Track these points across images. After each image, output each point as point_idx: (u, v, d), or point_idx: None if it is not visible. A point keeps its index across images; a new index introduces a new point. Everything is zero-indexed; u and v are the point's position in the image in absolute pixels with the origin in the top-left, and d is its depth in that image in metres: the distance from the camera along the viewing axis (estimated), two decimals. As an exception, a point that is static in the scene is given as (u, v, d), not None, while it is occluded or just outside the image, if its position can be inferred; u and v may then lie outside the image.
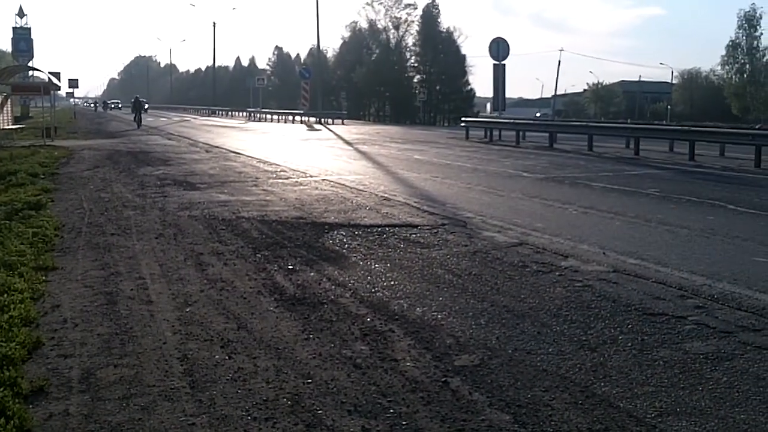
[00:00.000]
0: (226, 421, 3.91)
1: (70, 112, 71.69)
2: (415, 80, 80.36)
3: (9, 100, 32.53)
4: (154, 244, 8.54)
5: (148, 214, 10.75)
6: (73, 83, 61.64)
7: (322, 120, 53.82)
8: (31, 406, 4.07)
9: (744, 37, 73.87)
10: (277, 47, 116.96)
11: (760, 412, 4.01)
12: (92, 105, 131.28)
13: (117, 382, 4.40)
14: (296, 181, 14.96)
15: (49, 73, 33.06)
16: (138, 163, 19.37)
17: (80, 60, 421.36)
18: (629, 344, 5.11)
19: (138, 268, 7.33)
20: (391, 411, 4.04)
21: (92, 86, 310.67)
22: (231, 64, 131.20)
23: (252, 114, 69.18)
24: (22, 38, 60.55)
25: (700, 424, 3.90)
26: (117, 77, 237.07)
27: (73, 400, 4.16)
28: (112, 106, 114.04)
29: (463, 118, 39.60)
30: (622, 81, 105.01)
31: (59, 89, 45.54)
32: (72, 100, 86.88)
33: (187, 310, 5.93)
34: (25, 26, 61.23)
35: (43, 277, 6.85)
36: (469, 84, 78.62)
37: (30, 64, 52.37)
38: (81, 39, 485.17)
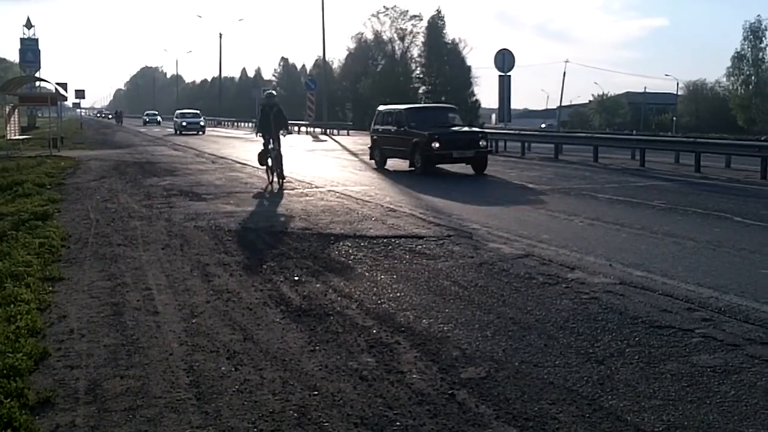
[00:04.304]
0: (232, 433, 3.91)
1: (77, 123, 71.91)
2: (421, 91, 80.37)
3: (16, 110, 32.64)
4: (161, 255, 8.55)
5: (154, 224, 10.77)
6: (80, 94, 61.91)
7: (328, 131, 53.88)
8: (37, 418, 4.07)
9: (749, 49, 73.87)
10: (282, 58, 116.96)
11: (768, 426, 3.99)
12: (110, 116, 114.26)
13: (123, 394, 4.40)
14: (302, 192, 14.98)
15: (56, 83, 33.30)
16: (144, 174, 19.43)
17: (87, 71, 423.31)
18: (636, 357, 5.09)
19: (144, 279, 7.34)
20: (398, 423, 4.03)
21: (99, 97, 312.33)
22: (237, 75, 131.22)
23: (258, 125, 69.30)
24: (30, 49, 60.84)
25: (708, 437, 3.88)
26: (123, 88, 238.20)
27: (80, 412, 4.16)
28: (185, 123, 54.53)
29: (468, 129, 39.53)
30: (628, 92, 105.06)
31: (66, 100, 45.80)
32: (78, 110, 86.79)
33: (194, 321, 5.94)
34: (33, 37, 61.52)
35: (50, 288, 6.87)
36: (474, 95, 78.57)
37: (37, 74, 52.64)
38: (88, 50, 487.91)
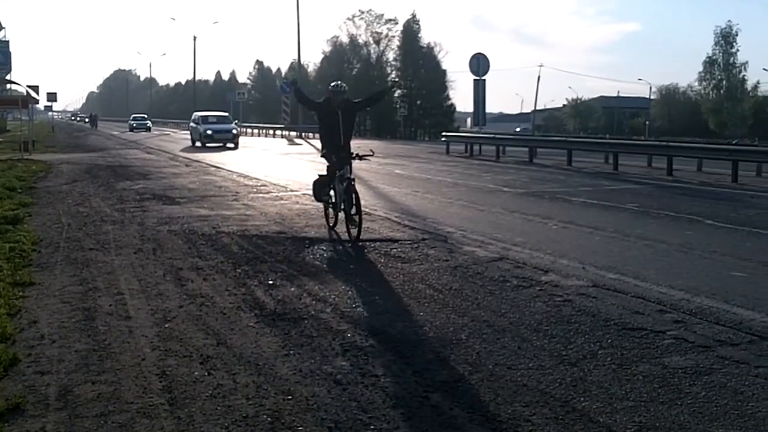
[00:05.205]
0: (205, 439, 3.88)
1: (49, 126, 71.15)
2: (396, 95, 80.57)
3: (-14, 113, 32.27)
4: (133, 259, 8.48)
5: (126, 228, 10.67)
6: (52, 97, 61.32)
7: (303, 134, 53.73)
8: (6, 425, 4.01)
9: (721, 54, 74.73)
10: (257, 61, 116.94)
11: (738, 427, 4.04)
12: (86, 119, 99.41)
13: (95, 399, 4.35)
14: (277, 196, 14.92)
15: (28, 86, 32.94)
16: (117, 178, 19.25)
17: (59, 73, 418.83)
18: (609, 359, 5.13)
19: (116, 284, 7.27)
20: (372, 427, 4.02)
21: (71, 100, 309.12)
22: (211, 78, 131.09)
23: (232, 128, 68.88)
24: (0, 51, 60.18)
25: (679, 438, 3.92)
26: (96, 91, 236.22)
27: (50, 418, 4.11)
28: (210, 131, 37.58)
29: (443, 133, 39.73)
30: (601, 96, 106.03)
31: (37, 102, 45.27)
32: (50, 113, 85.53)
33: (166, 325, 5.89)
34: (3, 39, 61.00)
35: (20, 293, 6.77)
36: (449, 99, 79.16)
37: (8, 77, 51.98)
38: (60, 52, 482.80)
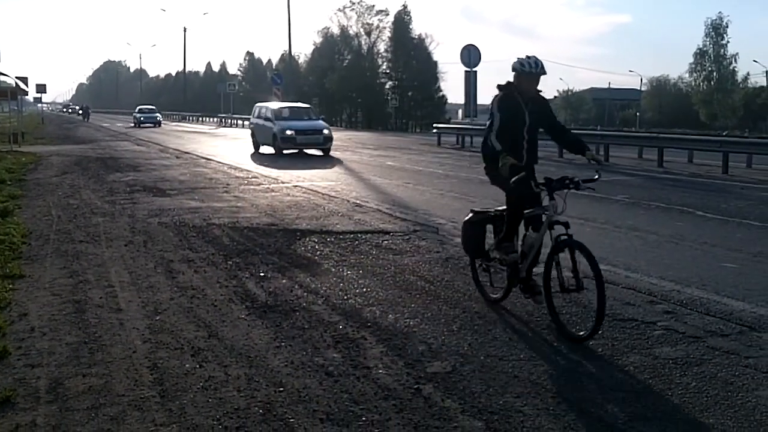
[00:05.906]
0: (196, 431, 3.87)
1: (38, 118, 70.72)
2: (387, 86, 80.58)
3: (-25, 105, 32.05)
4: (124, 252, 8.44)
5: (117, 221, 10.63)
6: (41, 88, 60.74)
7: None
8: (-3, 418, 4.00)
9: (711, 45, 74.89)
10: (248, 53, 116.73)
11: (728, 417, 4.06)
12: (79, 111, 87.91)
13: (86, 392, 4.34)
14: (268, 188, 14.89)
15: (16, 77, 32.65)
16: (107, 170, 19.15)
17: (48, 65, 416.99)
18: (600, 350, 5.14)
19: (107, 276, 7.24)
20: (364, 419, 4.03)
21: (60, 92, 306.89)
22: (202, 69, 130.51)
23: (223, 120, 68.71)
24: (-11, 42, 59.68)
25: (669, 429, 3.94)
26: (86, 82, 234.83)
27: (41, 411, 4.09)
28: (290, 132, 24.72)
29: (435, 125, 39.67)
30: (592, 88, 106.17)
31: (27, 94, 44.96)
32: (40, 105, 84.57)
33: (157, 318, 5.87)
34: (-8, 30, 60.37)
35: (10, 286, 6.74)
36: (440, 90, 79.08)
37: (-3, 68, 51.60)
38: (49, 44, 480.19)
